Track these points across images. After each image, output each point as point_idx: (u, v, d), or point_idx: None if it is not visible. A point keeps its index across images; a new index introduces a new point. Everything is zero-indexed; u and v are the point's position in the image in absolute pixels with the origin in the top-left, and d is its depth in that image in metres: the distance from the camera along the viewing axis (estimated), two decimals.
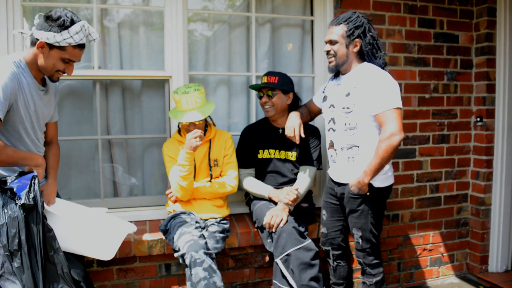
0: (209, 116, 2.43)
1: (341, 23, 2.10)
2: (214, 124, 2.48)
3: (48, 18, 1.68)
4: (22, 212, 1.57)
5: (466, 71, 3.04)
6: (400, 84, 2.13)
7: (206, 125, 2.42)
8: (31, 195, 1.59)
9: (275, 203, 2.38)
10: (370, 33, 2.11)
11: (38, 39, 1.68)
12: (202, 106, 2.25)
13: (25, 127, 1.77)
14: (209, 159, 2.37)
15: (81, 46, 1.75)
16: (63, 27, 1.66)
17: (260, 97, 2.46)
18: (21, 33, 1.75)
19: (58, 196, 2.00)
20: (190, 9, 2.62)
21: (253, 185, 2.47)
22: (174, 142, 2.38)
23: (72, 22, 1.67)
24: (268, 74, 2.44)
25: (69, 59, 1.74)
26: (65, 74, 1.79)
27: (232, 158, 2.42)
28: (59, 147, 2.07)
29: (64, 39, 1.67)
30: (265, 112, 2.48)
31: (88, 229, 1.83)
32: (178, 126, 2.44)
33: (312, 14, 2.85)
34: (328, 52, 2.15)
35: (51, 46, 1.69)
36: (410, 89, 2.88)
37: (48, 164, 1.94)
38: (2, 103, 1.59)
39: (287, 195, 2.32)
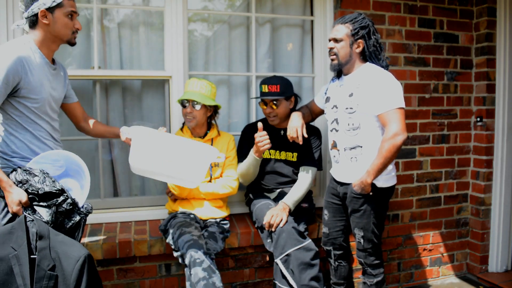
0: (214, 120, 2.43)
1: (347, 22, 2.11)
2: (218, 130, 2.46)
3: None
4: None
5: (466, 71, 3.03)
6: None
7: (210, 126, 2.42)
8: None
9: (275, 203, 2.38)
10: (374, 36, 2.12)
11: (37, 14, 1.72)
12: (205, 96, 2.27)
13: (43, 109, 1.78)
14: None
15: None
16: None
17: (262, 103, 2.43)
18: (17, 25, 1.81)
19: None
20: (190, 9, 2.62)
21: (241, 164, 2.42)
22: None
23: None
24: (269, 82, 2.37)
25: (71, 11, 1.79)
26: (79, 30, 1.85)
27: (234, 160, 2.41)
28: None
29: None
30: (270, 121, 2.46)
31: (177, 153, 1.85)
32: (183, 124, 2.44)
33: (312, 14, 2.85)
34: (330, 50, 2.16)
35: (51, 10, 1.73)
36: (410, 89, 2.88)
37: (104, 126, 2.14)
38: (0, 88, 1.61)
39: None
